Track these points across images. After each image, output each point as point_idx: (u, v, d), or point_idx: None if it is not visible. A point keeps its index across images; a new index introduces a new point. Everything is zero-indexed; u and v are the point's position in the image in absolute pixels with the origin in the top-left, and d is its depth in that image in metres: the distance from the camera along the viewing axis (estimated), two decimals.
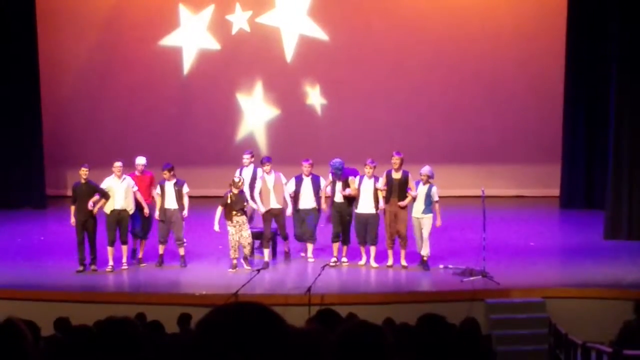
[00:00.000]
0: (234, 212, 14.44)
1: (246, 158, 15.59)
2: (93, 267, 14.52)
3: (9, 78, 20.74)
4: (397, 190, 14.43)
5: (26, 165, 20.90)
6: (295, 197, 14.91)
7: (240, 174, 15.15)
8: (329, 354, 2.87)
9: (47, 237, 17.53)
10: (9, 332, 3.44)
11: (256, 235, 15.00)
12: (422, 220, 14.32)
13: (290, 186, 14.93)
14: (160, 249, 15.02)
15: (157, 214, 14.83)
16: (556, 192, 20.97)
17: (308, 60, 22.01)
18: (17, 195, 20.79)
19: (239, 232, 14.41)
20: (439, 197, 14.41)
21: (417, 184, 14.43)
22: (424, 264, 14.43)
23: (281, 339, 2.35)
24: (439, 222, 14.32)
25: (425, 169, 14.42)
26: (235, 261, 14.52)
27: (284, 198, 14.92)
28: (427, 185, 14.33)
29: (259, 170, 15.07)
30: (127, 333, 4.16)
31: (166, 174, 14.77)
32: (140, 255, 15.08)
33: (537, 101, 21.72)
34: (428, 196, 14.29)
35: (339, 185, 14.77)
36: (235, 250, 14.50)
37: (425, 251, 14.37)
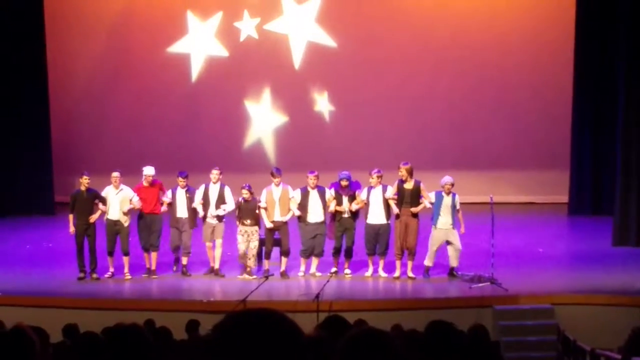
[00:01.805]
0: (243, 222, 14.44)
1: (215, 174, 14.70)
2: (94, 275, 14.42)
3: (17, 84, 20.80)
4: (410, 200, 14.20)
5: (34, 172, 20.93)
6: (302, 211, 14.49)
7: (206, 191, 14.66)
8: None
9: (55, 244, 17.54)
10: (17, 339, 3.45)
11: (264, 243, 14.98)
12: (451, 232, 14.19)
13: (296, 197, 14.53)
14: (183, 260, 14.84)
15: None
16: (564, 198, 20.92)
17: (316, 67, 22.02)
18: (25, 201, 20.83)
19: (246, 241, 14.40)
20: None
21: (439, 194, 14.22)
22: (453, 272, 14.35)
23: (297, 346, 2.36)
24: (462, 230, 14.28)
25: (448, 179, 14.23)
26: (249, 269, 14.49)
27: (289, 210, 14.55)
28: (450, 195, 14.22)
29: (273, 186, 14.54)
30: (136, 339, 4.17)
31: (182, 182, 14.68)
32: (153, 267, 14.73)
33: (544, 108, 21.69)
34: (454, 206, 14.18)
35: (345, 200, 14.48)
36: (243, 258, 14.51)
37: (455, 262, 14.30)
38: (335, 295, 13.16)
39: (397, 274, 14.45)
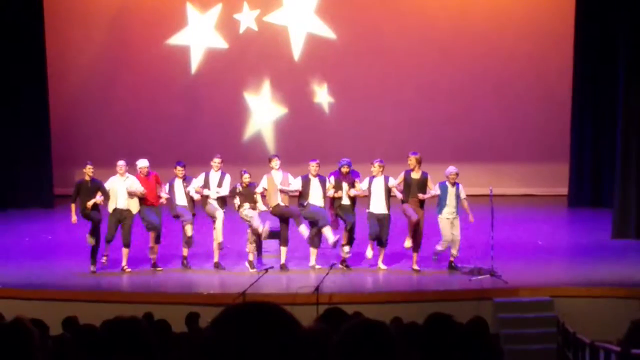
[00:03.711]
0: (243, 206, 14.40)
1: (216, 162, 14.62)
2: (92, 267, 14.37)
3: (17, 77, 20.78)
4: (417, 191, 14.15)
5: (34, 165, 20.94)
6: (303, 198, 14.44)
7: (207, 178, 14.59)
8: (334, 353, 2.87)
9: (54, 236, 17.55)
10: (16, 331, 3.45)
11: (271, 235, 14.89)
12: (455, 221, 14.23)
13: (297, 184, 14.48)
14: (184, 252, 14.76)
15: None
16: (564, 190, 20.93)
17: (316, 58, 22.01)
18: (25, 194, 20.83)
19: (256, 220, 14.34)
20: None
21: (443, 184, 14.24)
22: (452, 265, 14.37)
23: (294, 339, 2.35)
24: (471, 218, 14.30)
25: (452, 169, 14.26)
26: (250, 256, 14.44)
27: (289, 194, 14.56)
28: (454, 186, 14.23)
29: (273, 171, 14.48)
30: (135, 332, 4.16)
31: (180, 171, 14.63)
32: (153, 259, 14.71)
33: (544, 100, 21.69)
34: (458, 196, 14.21)
35: (344, 186, 14.41)
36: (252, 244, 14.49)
37: (455, 252, 14.33)
38: (335, 287, 13.15)
39: (416, 266, 14.42)
